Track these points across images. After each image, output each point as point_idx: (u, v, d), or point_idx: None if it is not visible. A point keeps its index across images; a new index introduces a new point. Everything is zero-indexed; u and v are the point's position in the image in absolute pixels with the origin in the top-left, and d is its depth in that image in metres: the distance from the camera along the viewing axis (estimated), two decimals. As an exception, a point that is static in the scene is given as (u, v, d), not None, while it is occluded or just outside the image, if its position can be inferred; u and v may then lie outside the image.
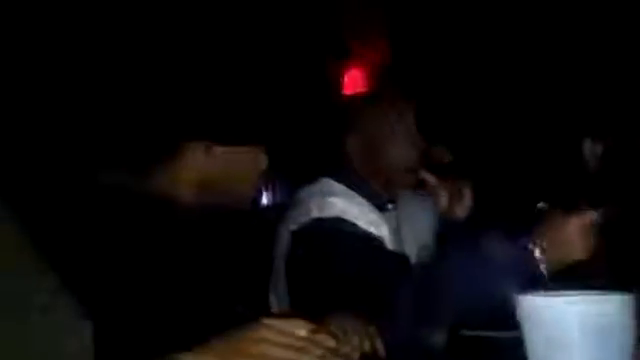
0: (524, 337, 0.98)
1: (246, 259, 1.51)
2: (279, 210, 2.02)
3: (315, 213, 1.84)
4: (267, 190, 3.53)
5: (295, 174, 2.13)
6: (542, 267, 1.64)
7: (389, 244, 1.92)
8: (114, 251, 1.30)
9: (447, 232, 1.97)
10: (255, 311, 1.31)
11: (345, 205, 1.89)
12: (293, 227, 1.86)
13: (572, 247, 1.64)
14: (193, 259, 1.38)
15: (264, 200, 3.50)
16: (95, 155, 1.43)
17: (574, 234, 1.63)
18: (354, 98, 2.85)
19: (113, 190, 1.41)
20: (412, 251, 2.01)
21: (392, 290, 1.67)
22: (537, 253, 1.64)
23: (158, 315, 1.27)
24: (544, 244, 1.63)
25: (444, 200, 1.98)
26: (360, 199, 1.96)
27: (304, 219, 1.85)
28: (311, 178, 1.99)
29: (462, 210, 1.96)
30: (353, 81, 5.50)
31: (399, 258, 1.88)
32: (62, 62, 5.16)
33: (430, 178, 1.97)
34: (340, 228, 1.84)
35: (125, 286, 1.27)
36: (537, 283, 1.66)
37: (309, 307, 1.62)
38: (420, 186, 2.01)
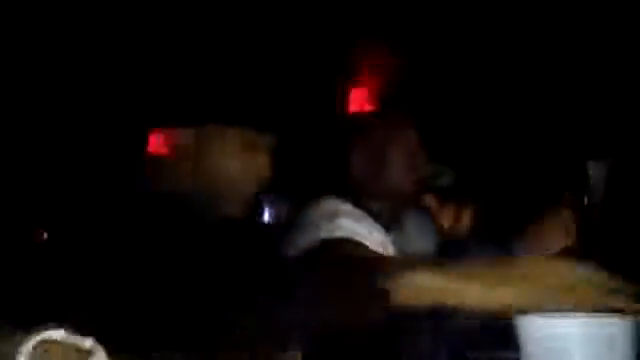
0: (525, 358, 0.98)
1: (245, 275, 1.51)
2: (282, 228, 2.03)
3: (323, 234, 1.84)
4: (270, 207, 3.51)
5: (297, 191, 2.14)
6: None
7: None
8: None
9: (448, 252, 1.99)
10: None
11: (354, 226, 1.91)
12: (301, 247, 1.87)
13: (550, 241, 1.69)
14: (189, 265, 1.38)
15: (266, 217, 3.49)
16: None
17: (552, 229, 1.69)
18: (359, 117, 2.88)
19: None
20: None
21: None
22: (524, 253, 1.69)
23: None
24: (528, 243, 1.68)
25: (445, 221, 2.00)
26: (368, 219, 1.97)
27: (312, 240, 1.85)
28: (314, 196, 2.00)
29: (462, 230, 1.98)
30: (358, 99, 5.50)
31: None
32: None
33: (430, 201, 1.99)
34: (348, 249, 1.86)
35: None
36: None
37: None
38: (421, 207, 2.04)
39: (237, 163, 1.49)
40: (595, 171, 2.20)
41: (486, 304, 1.11)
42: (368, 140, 2.04)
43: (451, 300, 1.16)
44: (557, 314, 0.99)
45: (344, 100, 5.54)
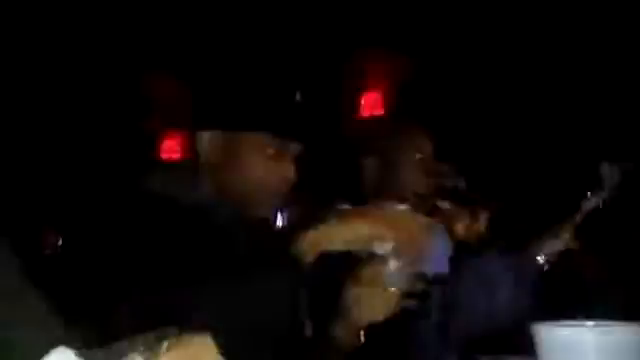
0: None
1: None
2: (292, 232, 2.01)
3: None
4: (281, 212, 3.50)
5: (308, 196, 2.14)
6: (545, 265, 1.69)
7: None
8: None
9: (461, 257, 1.99)
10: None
11: None
12: None
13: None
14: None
15: (278, 222, 3.47)
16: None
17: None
18: (371, 121, 2.88)
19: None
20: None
21: (411, 313, 1.69)
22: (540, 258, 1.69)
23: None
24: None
25: (459, 227, 2.00)
26: None
27: None
28: (326, 201, 2.01)
29: (476, 236, 1.98)
30: (371, 104, 5.51)
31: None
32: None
33: (445, 205, 2.00)
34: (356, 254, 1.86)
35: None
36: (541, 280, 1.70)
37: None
38: (434, 212, 2.04)
39: (263, 168, 1.51)
40: (609, 173, 2.19)
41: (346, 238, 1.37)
42: (380, 145, 2.04)
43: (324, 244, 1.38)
44: (574, 322, 1.00)
45: (356, 105, 5.55)
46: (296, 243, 1.37)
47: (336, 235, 1.39)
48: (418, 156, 2.02)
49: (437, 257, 2.06)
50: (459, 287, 1.80)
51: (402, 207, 1.44)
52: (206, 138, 1.52)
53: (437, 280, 1.93)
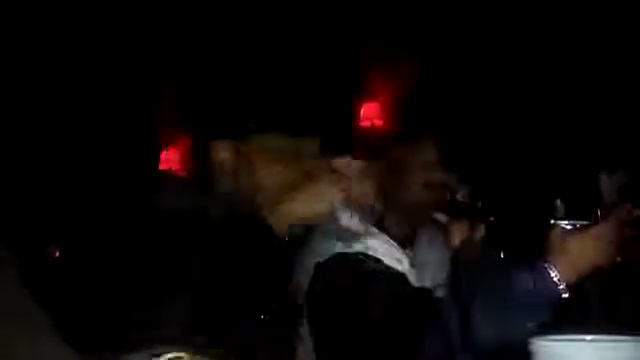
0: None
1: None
2: (297, 241, 2.01)
3: (339, 248, 1.85)
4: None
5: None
6: (560, 285, 1.67)
7: (412, 280, 1.93)
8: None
9: (460, 269, 1.99)
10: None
11: (369, 241, 1.91)
12: (317, 260, 1.85)
13: (584, 260, 1.68)
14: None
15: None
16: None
17: (586, 248, 1.68)
18: (376, 130, 2.88)
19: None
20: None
21: (417, 327, 1.69)
22: (553, 273, 1.67)
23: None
24: (556, 261, 1.66)
25: (456, 239, 2.00)
26: (382, 234, 1.98)
27: (328, 254, 1.85)
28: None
29: (474, 249, 1.97)
30: (370, 114, 5.50)
31: (423, 294, 1.89)
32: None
33: (442, 218, 2.00)
34: (364, 263, 1.85)
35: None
36: (557, 302, 1.68)
37: (332, 342, 1.63)
38: (434, 223, 2.04)
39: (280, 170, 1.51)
40: (607, 184, 2.19)
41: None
42: (385, 156, 2.04)
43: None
44: (572, 336, 1.00)
45: (356, 115, 5.54)
46: (269, 215, 1.46)
47: (303, 209, 1.50)
48: (424, 168, 2.02)
49: (438, 266, 2.06)
50: (460, 300, 1.80)
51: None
52: (222, 147, 1.52)
53: (436, 288, 1.94)
